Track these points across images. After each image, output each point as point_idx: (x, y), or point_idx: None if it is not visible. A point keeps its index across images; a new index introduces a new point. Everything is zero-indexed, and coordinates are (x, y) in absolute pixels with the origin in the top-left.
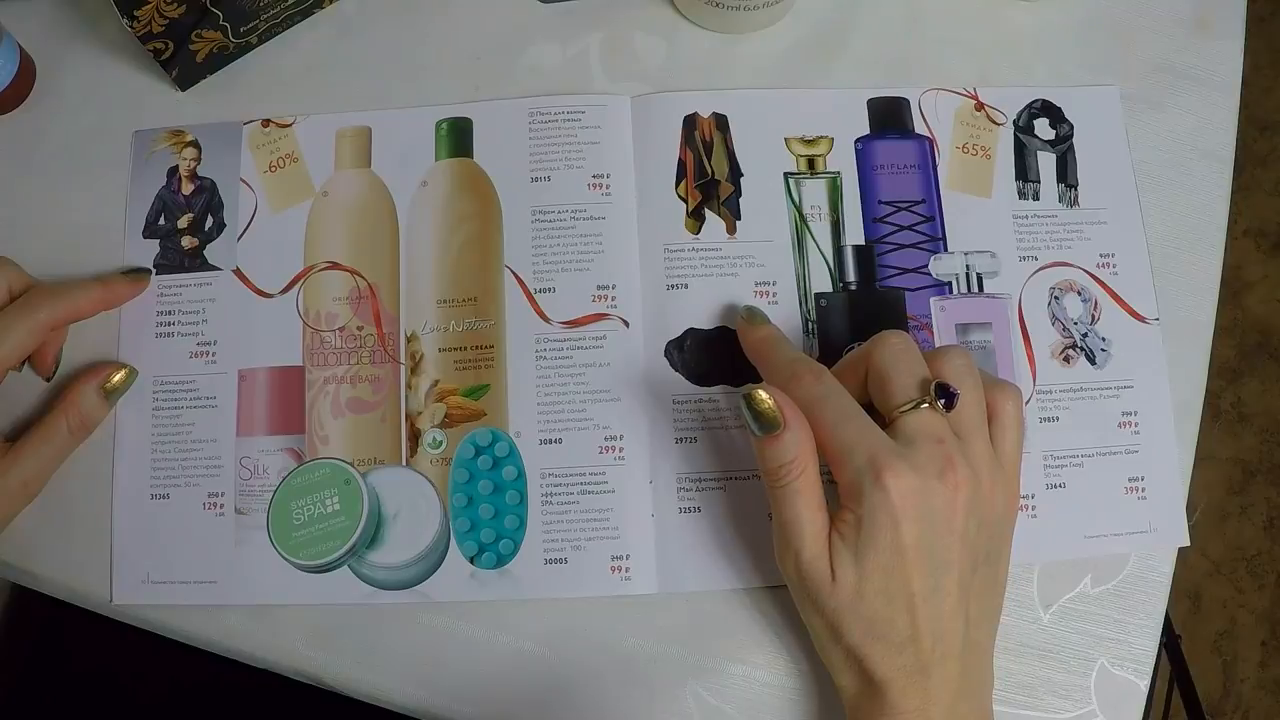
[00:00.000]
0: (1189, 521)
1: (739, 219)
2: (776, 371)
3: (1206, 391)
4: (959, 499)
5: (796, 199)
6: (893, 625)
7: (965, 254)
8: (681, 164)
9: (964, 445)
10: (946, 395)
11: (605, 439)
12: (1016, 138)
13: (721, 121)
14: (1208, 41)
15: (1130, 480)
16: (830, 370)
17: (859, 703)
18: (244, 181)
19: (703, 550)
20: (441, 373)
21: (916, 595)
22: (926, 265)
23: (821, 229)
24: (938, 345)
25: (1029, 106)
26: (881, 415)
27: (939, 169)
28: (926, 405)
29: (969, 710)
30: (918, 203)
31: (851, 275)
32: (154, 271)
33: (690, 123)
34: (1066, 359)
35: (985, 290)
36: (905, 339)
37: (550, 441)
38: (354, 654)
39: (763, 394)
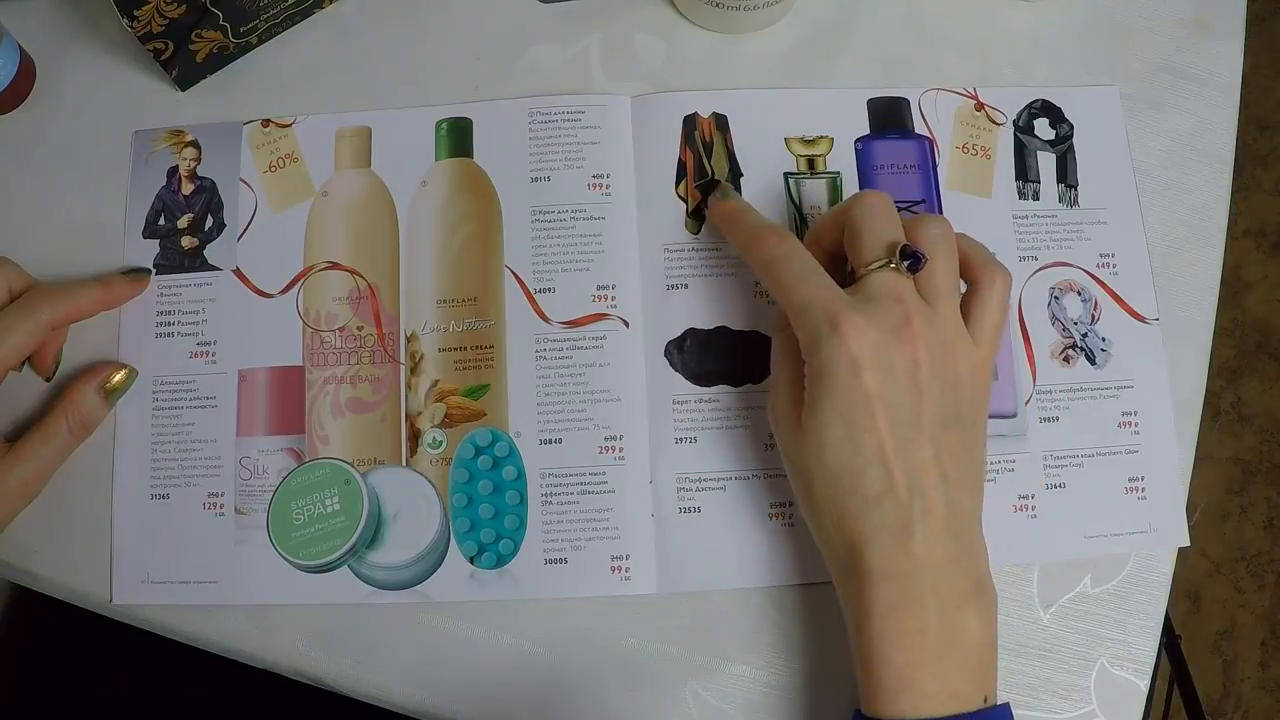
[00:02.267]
0: (1189, 521)
1: None
2: (741, 236)
3: (1206, 391)
4: (918, 354)
5: (796, 199)
6: (863, 477)
7: None
8: (681, 164)
9: (927, 308)
10: (912, 258)
11: (605, 439)
12: (1016, 138)
13: (721, 121)
14: (1208, 41)
15: (1130, 480)
16: (815, 224)
17: (847, 578)
18: (244, 181)
19: (702, 550)
20: (441, 373)
21: (886, 444)
22: None
23: None
24: None
25: (1029, 106)
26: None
27: (939, 169)
28: (892, 265)
29: (959, 574)
30: (918, 203)
31: None
32: (154, 271)
33: (690, 123)
34: (1066, 359)
35: None
36: (884, 199)
37: (550, 441)
38: (354, 654)
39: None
